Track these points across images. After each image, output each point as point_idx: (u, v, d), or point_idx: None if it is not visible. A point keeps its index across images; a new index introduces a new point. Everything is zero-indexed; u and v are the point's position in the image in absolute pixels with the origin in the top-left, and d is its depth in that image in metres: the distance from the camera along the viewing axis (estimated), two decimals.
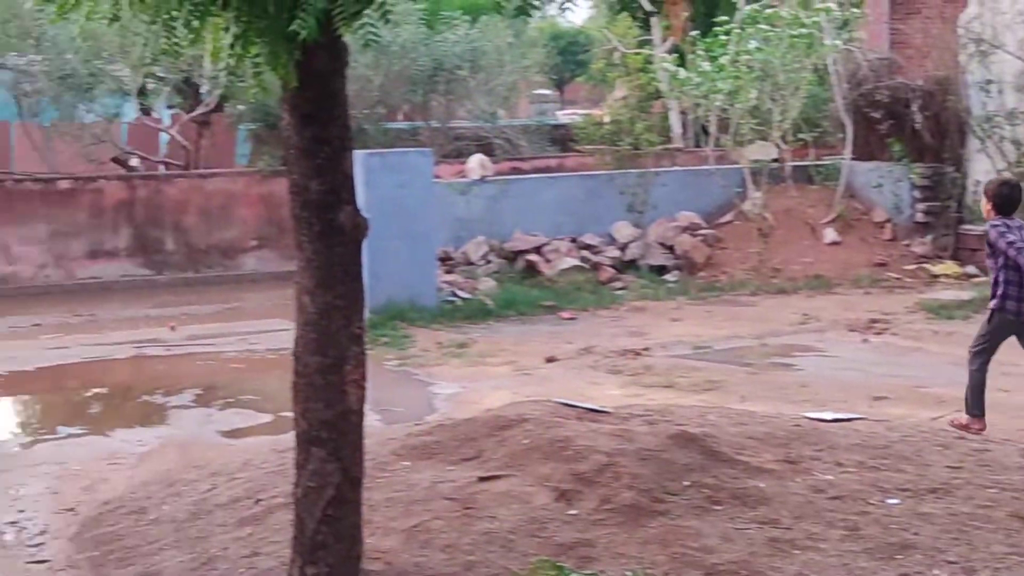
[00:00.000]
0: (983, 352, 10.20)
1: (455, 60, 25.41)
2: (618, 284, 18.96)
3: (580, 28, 51.88)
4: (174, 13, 5.58)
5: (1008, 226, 9.85)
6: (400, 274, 16.47)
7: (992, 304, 10.08)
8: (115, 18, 5.96)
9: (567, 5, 5.00)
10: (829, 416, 9.91)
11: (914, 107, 20.22)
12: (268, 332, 16.40)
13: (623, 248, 20.01)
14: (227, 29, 5.77)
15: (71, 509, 8.77)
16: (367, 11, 5.17)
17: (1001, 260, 9.88)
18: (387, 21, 5.39)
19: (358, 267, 6.14)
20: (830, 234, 20.45)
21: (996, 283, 9.98)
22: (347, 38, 5.70)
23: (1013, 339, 10.21)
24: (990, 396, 11.32)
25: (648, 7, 26.25)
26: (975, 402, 10.17)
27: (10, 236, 21.30)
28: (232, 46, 5.71)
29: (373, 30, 5.21)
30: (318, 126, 5.98)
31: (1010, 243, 9.73)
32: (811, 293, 18.50)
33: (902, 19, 23.92)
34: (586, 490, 7.36)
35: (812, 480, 7.81)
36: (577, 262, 19.22)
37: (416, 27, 25.35)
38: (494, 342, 15.34)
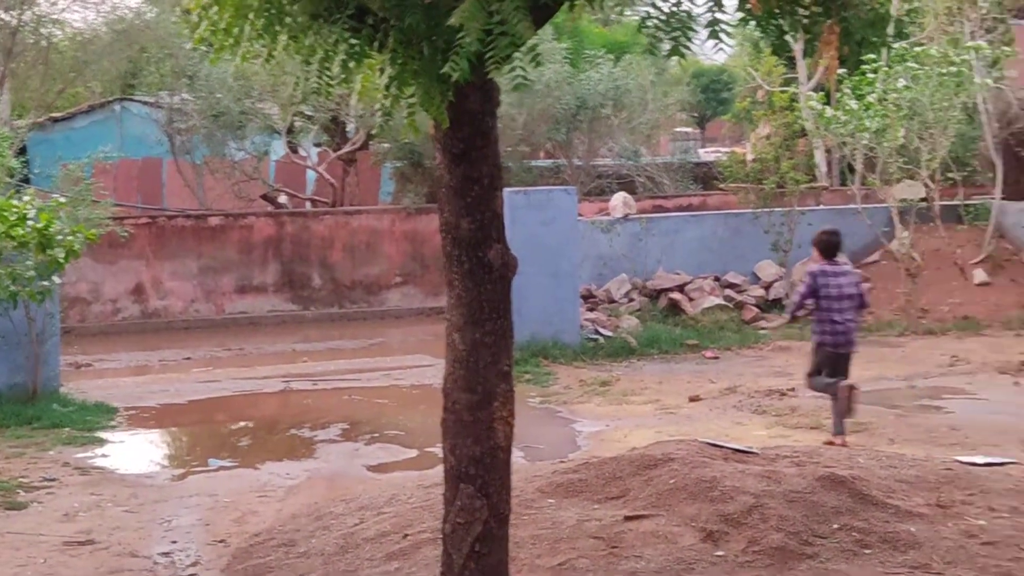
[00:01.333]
0: (815, 374, 11.83)
1: (598, 98, 25.50)
2: (762, 323, 18.82)
3: (723, 66, 51.69)
4: (330, 53, 5.68)
5: (824, 272, 11.72)
6: (543, 311, 16.52)
7: (814, 340, 11.86)
8: (270, 57, 6.09)
9: (720, 46, 4.99)
10: (981, 460, 9.73)
11: None
12: (412, 368, 16.56)
13: (767, 287, 19.87)
14: (382, 70, 5.86)
15: (222, 541, 8.91)
16: (517, 53, 5.22)
17: (812, 302, 11.73)
18: (538, 64, 5.44)
19: (507, 304, 6.18)
20: (979, 275, 20.09)
21: (820, 321, 11.73)
22: (498, 79, 5.75)
23: None
24: None
25: (794, 46, 26.11)
26: (836, 421, 11.56)
27: (162, 271, 21.79)
28: (387, 87, 5.80)
29: (523, 72, 5.26)
30: (469, 165, 6.05)
31: (802, 294, 11.82)
32: (960, 335, 18.17)
33: None
34: (733, 531, 7.31)
35: (964, 525, 7.68)
36: (720, 301, 19.13)
37: (560, 66, 25.49)
38: (637, 380, 15.31)
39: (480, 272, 6.11)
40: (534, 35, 5.26)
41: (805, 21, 5.53)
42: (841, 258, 11.98)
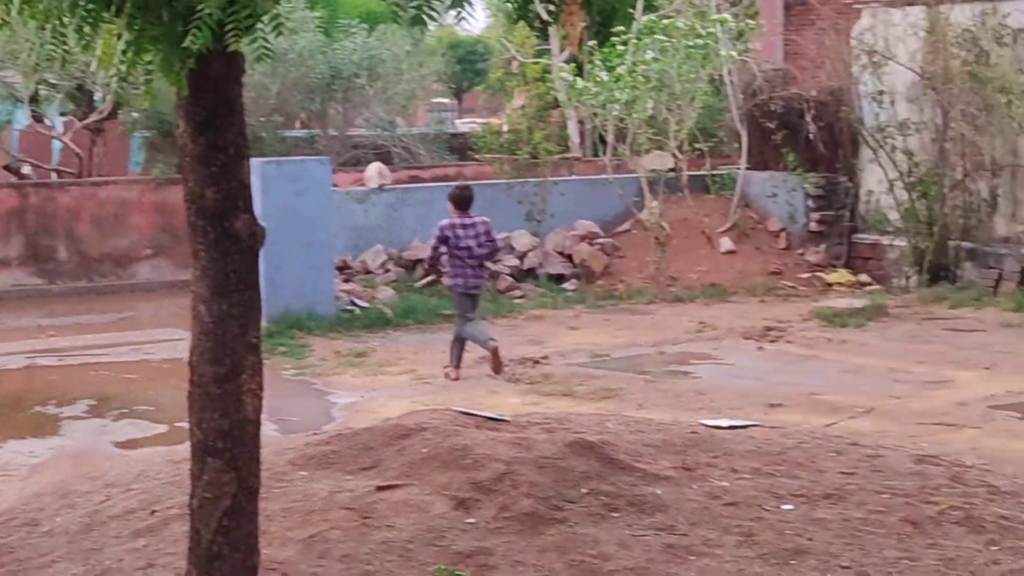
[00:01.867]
0: (463, 319, 13.59)
1: (353, 68, 25.34)
2: (517, 293, 19.00)
3: (478, 37, 51.93)
4: (65, 19, 5.48)
5: (453, 225, 13.55)
6: (297, 283, 16.39)
7: (447, 283, 13.88)
8: (3, 23, 5.86)
9: (463, 15, 4.98)
10: (725, 423, 10.00)
11: (808, 117, 20.47)
12: (163, 341, 16.25)
13: (521, 257, 20.06)
14: (120, 36, 5.69)
15: None
16: (261, 23, 5.12)
17: (444, 249, 13.43)
18: (280, 33, 5.35)
19: (255, 276, 6.08)
20: (726, 243, 20.65)
21: (453, 267, 13.46)
22: (242, 49, 5.65)
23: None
24: (882, 403, 11.56)
25: (545, 17, 26.34)
26: (455, 354, 13.66)
27: None
28: (124, 52, 5.63)
29: (266, 42, 5.17)
30: (213, 133, 5.92)
31: (433, 247, 13.60)
32: (707, 301, 18.67)
33: (796, 31, 24.20)
34: (484, 498, 7.35)
35: (708, 487, 7.87)
36: None
37: (313, 35, 25.24)
38: (393, 351, 15.32)
39: (226, 243, 5.99)
40: (277, 5, 5.16)
41: None
42: (473, 213, 13.79)
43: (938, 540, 7.15)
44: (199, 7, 4.87)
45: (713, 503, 7.58)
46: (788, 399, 12.22)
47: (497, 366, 13.49)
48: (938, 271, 18.76)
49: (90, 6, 5.47)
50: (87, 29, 5.52)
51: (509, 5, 5.39)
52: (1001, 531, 7.34)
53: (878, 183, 20.11)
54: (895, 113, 19.53)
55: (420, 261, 19.32)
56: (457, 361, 13.70)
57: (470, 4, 4.97)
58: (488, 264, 14.41)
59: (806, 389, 12.76)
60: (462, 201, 13.83)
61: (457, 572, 6.42)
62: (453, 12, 4.98)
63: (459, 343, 13.73)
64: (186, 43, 4.94)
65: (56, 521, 8.05)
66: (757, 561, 6.81)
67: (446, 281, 13.99)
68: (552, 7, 5.56)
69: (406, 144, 27.15)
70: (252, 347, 6.10)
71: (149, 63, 5.63)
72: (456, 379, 13.56)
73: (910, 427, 10.88)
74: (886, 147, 19.55)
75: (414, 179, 23.38)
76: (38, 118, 26.47)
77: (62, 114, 27.86)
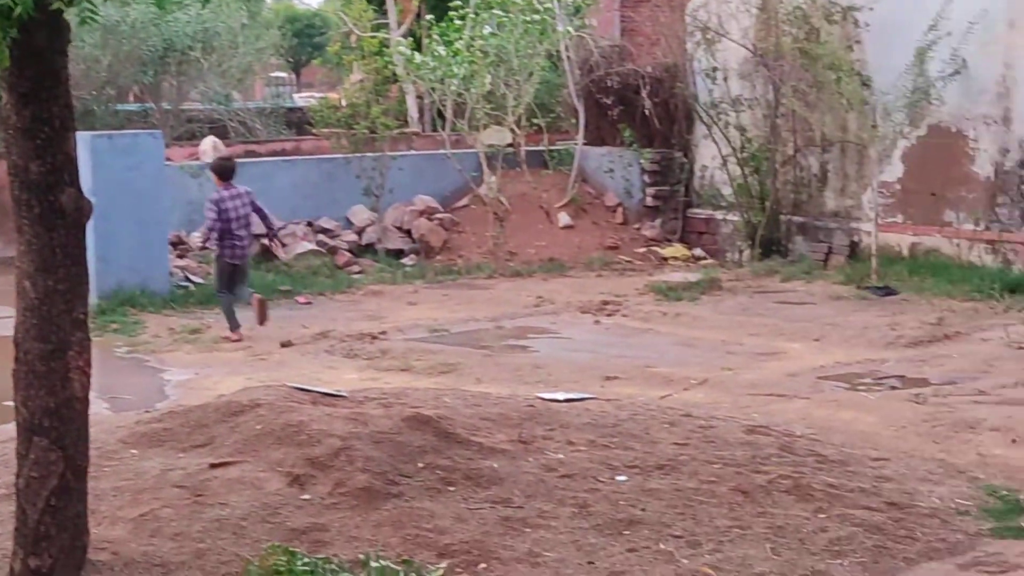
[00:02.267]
0: (223, 288, 14.49)
1: (187, 41, 24.92)
2: (355, 268, 18.92)
3: (316, 11, 51.47)
4: None
5: (223, 197, 14.20)
6: (130, 259, 16.10)
7: (216, 253, 14.49)
8: None
9: None
10: (561, 396, 10.07)
11: (644, 93, 20.68)
12: None
13: (360, 232, 19.98)
14: None
15: None
16: None
17: (213, 221, 14.11)
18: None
19: (81, 251, 5.97)
20: (564, 218, 20.79)
21: (223, 238, 14.17)
22: (67, 15, 5.53)
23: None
24: (715, 374, 11.76)
25: None
26: (231, 320, 14.33)
27: None
28: None
29: (91, 8, 5.07)
30: (38, 105, 5.79)
31: (212, 220, 14.12)
32: (546, 276, 18.78)
33: (632, 7, 24.43)
34: (320, 474, 7.32)
35: (544, 459, 7.93)
36: (313, 246, 19.11)
37: (146, 6, 24.73)
38: (227, 327, 15.10)
39: (51, 217, 5.88)
40: None
41: None
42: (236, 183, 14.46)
43: (768, 508, 7.31)
44: None
45: (549, 475, 7.64)
46: (624, 372, 12.35)
47: (262, 317, 14.26)
48: (770, 245, 19.11)
49: None
50: None
51: None
52: (829, 499, 7.52)
53: (712, 159, 20.41)
54: (728, 89, 19.81)
55: (256, 236, 19.11)
56: (234, 324, 14.35)
57: None
58: (270, 230, 15.19)
59: (641, 362, 12.91)
60: (226, 172, 14.46)
61: (292, 549, 6.38)
62: None
63: (229, 307, 14.45)
64: (3, 2, 4.81)
65: None
66: (591, 532, 6.89)
67: (215, 254, 14.64)
68: None
69: (242, 118, 26.81)
70: (79, 323, 5.99)
71: None
72: (239, 339, 14.18)
73: (742, 398, 11.07)
74: (719, 123, 19.83)
75: (250, 153, 23.07)
76: None
77: None
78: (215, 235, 14.30)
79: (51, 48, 5.79)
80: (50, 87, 5.83)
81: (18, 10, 4.87)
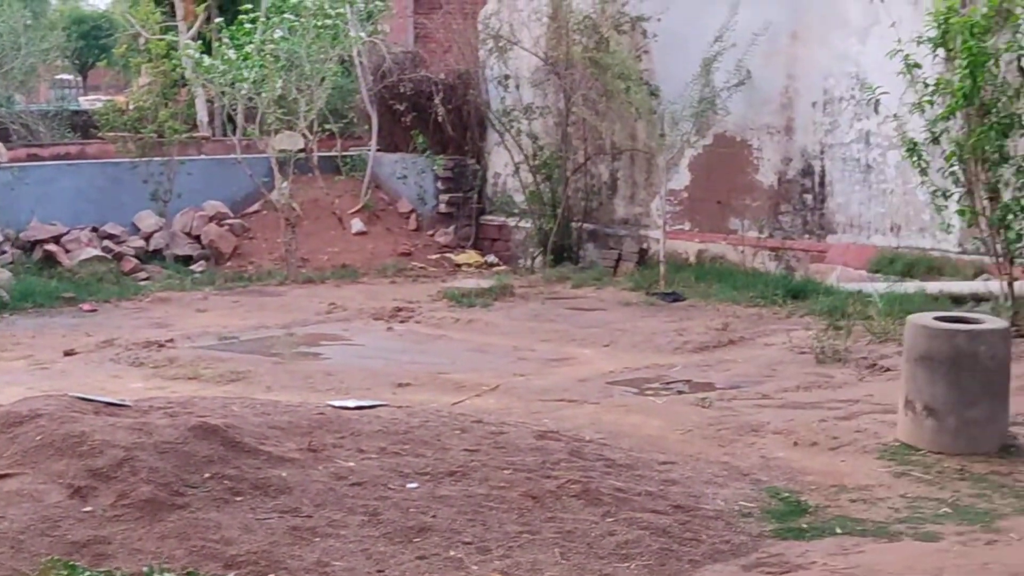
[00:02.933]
0: None
1: None
2: (142, 275, 18.56)
3: (103, 12, 50.36)
4: None
5: None
6: None
7: None
8: None
9: None
10: (352, 404, 9.98)
11: (436, 100, 20.71)
12: None
13: (147, 238, 19.61)
14: None
15: None
16: None
17: None
18: None
19: None
20: (357, 224, 20.70)
21: None
22: None
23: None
24: (507, 380, 11.84)
25: None
26: None
27: None
28: None
29: None
30: None
31: None
32: (338, 283, 18.68)
33: (426, 14, 24.49)
34: (102, 486, 7.12)
35: (334, 467, 7.85)
36: (98, 252, 18.68)
37: None
38: (9, 336, 14.70)
39: None
40: None
41: None
42: None
43: (557, 513, 7.34)
44: None
45: (338, 484, 7.56)
46: (416, 379, 12.32)
47: None
48: (562, 252, 19.31)
49: None
50: None
51: None
52: (617, 503, 7.59)
53: (504, 166, 20.54)
54: (520, 97, 19.97)
55: (40, 242, 18.63)
56: None
57: None
58: None
59: (434, 368, 12.90)
60: None
61: (72, 563, 6.19)
62: None
63: None
64: None
65: None
66: (382, 540, 6.84)
67: None
68: None
69: (25, 121, 26.03)
70: None
71: None
72: None
73: (533, 404, 11.13)
74: (512, 131, 19.97)
75: (33, 157, 22.43)
76: None
77: None
78: None
79: None
80: None
81: None
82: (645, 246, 18.83)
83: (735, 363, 12.98)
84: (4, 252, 18.33)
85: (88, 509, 6.91)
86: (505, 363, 13.24)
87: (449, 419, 9.57)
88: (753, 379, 12.18)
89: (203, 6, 23.08)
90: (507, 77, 20.07)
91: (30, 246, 18.65)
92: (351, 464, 7.97)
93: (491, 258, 20.40)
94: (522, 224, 20.30)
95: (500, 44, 20.05)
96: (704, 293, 16.73)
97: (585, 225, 19.54)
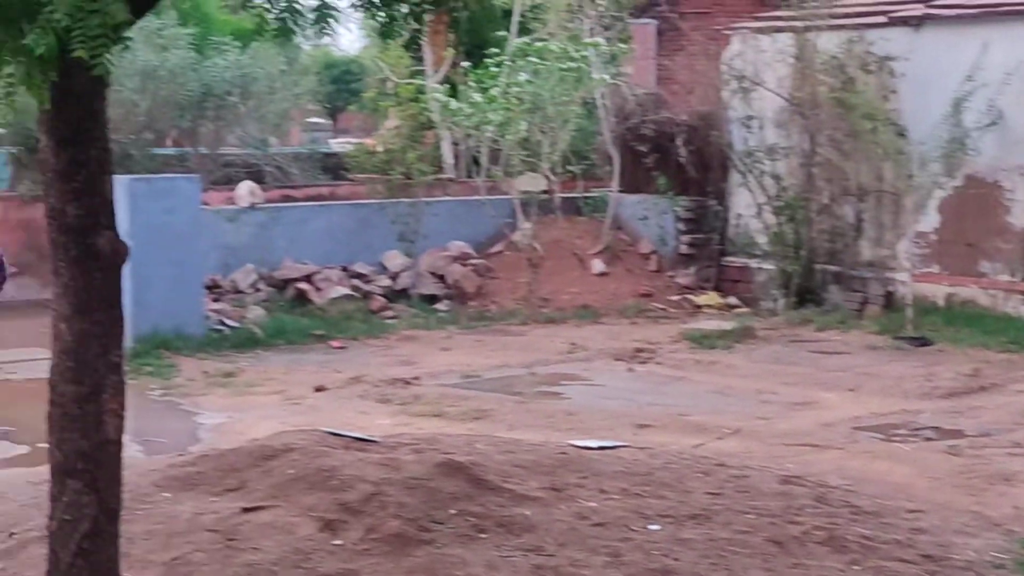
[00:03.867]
0: None
1: (225, 86, 25.07)
2: (389, 313, 18.93)
3: (354, 57, 51.75)
4: None
5: None
6: (166, 302, 16.15)
7: None
8: None
9: (327, 30, 4.97)
10: (594, 444, 10.04)
11: (679, 141, 20.68)
12: (26, 361, 15.87)
13: (394, 277, 20.00)
14: None
15: None
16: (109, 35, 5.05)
17: None
18: (126, 48, 5.27)
19: (117, 294, 5.98)
20: (598, 265, 20.77)
21: None
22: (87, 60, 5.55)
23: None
24: (749, 424, 11.72)
25: (412, 35, 26.30)
26: None
27: None
28: None
29: (108, 58, 5.10)
30: (76, 148, 5.81)
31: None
32: (579, 323, 18.74)
33: (668, 55, 24.49)
34: (352, 520, 7.30)
35: (576, 507, 7.90)
36: (348, 291, 19.13)
37: (185, 52, 24.96)
38: (262, 371, 15.16)
39: (88, 260, 5.89)
40: (129, 17, 5.08)
41: (415, 9, 5.55)
42: None
43: (802, 560, 7.25)
44: (46, 11, 4.79)
45: (581, 523, 7.60)
46: (657, 420, 12.30)
47: None
48: (805, 294, 19.04)
49: None
50: None
51: (376, 23, 5.34)
52: (863, 551, 7.46)
53: (747, 207, 20.38)
54: (764, 138, 19.81)
55: (292, 281, 19.19)
56: None
57: (334, 19, 4.94)
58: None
59: (675, 410, 12.85)
60: None
61: None
62: (318, 28, 4.95)
63: None
64: (26, 41, 4.86)
65: None
66: None
67: None
68: (418, 25, 5.53)
69: (279, 163, 26.93)
70: (114, 366, 5.99)
71: (10, 76, 5.51)
72: None
73: (776, 448, 11.01)
74: (755, 171, 19.81)
75: (286, 198, 23.18)
76: None
77: None
78: None
79: (91, 92, 5.82)
80: (89, 130, 5.85)
81: (40, 50, 4.89)
82: (891, 289, 18.44)
83: (986, 410, 12.62)
84: (258, 290, 18.93)
85: (338, 542, 7.10)
86: (747, 406, 13.12)
87: (691, 461, 9.54)
88: (1005, 426, 11.83)
89: (450, 52, 23.51)
90: (751, 118, 19.93)
91: (283, 284, 19.22)
92: (593, 504, 8.01)
93: (732, 300, 20.22)
94: (764, 266, 20.09)
95: (744, 85, 19.93)
96: (953, 338, 16.29)
97: (829, 267, 19.23)
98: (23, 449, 11.75)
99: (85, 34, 4.86)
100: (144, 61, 22.89)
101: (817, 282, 19.20)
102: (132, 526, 7.10)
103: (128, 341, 14.68)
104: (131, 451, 10.29)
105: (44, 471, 7.04)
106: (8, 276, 16.16)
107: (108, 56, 5.06)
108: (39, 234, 21.75)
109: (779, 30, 19.73)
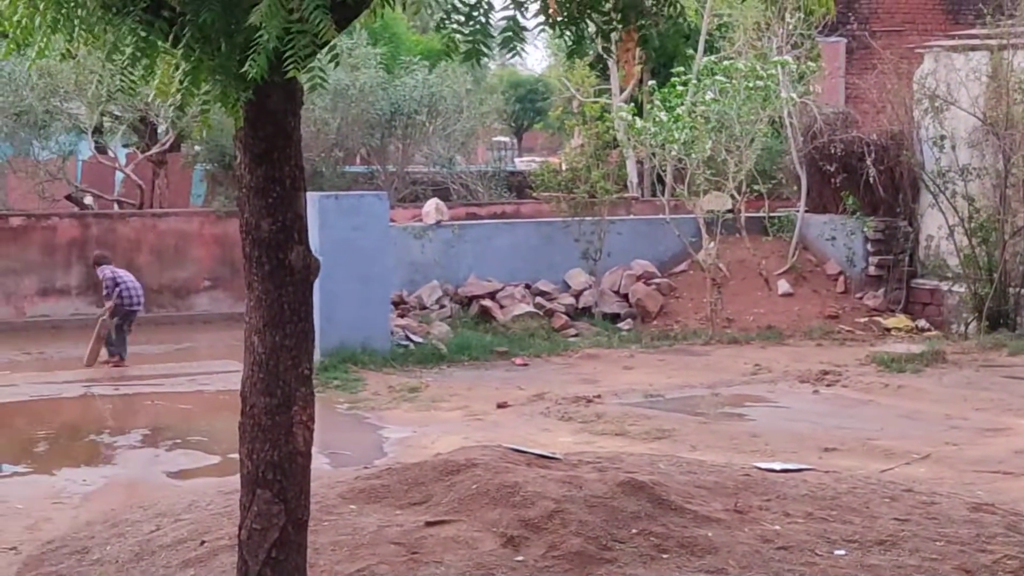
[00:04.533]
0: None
1: (413, 105, 25.46)
2: (571, 331, 18.96)
3: (539, 76, 52.08)
4: (124, 48, 5.54)
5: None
6: (353, 317, 16.43)
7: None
8: (68, 54, 5.93)
9: (516, 50, 5.01)
10: (778, 467, 9.92)
11: (868, 161, 20.35)
12: (219, 373, 16.32)
13: (577, 295, 20.03)
14: (178, 67, 5.75)
15: (13, 548, 8.66)
16: (318, 54, 5.18)
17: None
18: (337, 64, 5.39)
19: (308, 307, 6.11)
20: (783, 285, 20.54)
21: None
22: (299, 79, 5.69)
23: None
24: (938, 449, 11.45)
25: (600, 52, 26.37)
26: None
27: None
28: (181, 83, 5.68)
29: (321, 74, 5.23)
30: (270, 165, 5.96)
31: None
32: (763, 344, 18.54)
33: (858, 74, 24.15)
34: (533, 536, 7.32)
35: (760, 530, 7.80)
36: (531, 308, 19.22)
37: (375, 71, 25.40)
38: (446, 387, 15.30)
39: (281, 274, 6.03)
40: (336, 35, 5.21)
41: (603, 27, 5.56)
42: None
43: None
44: (256, 35, 4.91)
45: (765, 547, 7.51)
46: (843, 444, 12.10)
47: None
48: (997, 318, 18.58)
49: (149, 36, 5.53)
50: (145, 60, 5.58)
51: (565, 41, 5.37)
52: None
53: (938, 228, 19.97)
54: (956, 158, 19.39)
55: (476, 297, 19.36)
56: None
57: (522, 39, 4.99)
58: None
59: (861, 434, 12.62)
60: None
61: None
62: (507, 49, 5.00)
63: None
64: (245, 68, 5.00)
65: (106, 550, 8.09)
66: None
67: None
68: (607, 43, 5.55)
69: (464, 181, 27.25)
70: (304, 378, 6.11)
71: (206, 94, 5.68)
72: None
73: (966, 474, 10.74)
74: (946, 192, 19.42)
75: (471, 216, 23.44)
76: (101, 149, 26.75)
77: (125, 146, 28.15)
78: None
79: (284, 110, 5.96)
80: (283, 148, 5.99)
81: (253, 73, 5.03)
82: None
83: None
84: (443, 306, 19.14)
85: (520, 558, 7.12)
86: (936, 431, 12.82)
87: (878, 486, 9.36)
88: None
89: (639, 69, 23.50)
90: (943, 138, 19.53)
91: (467, 301, 19.40)
92: (777, 527, 7.91)
93: (922, 323, 19.82)
94: (956, 288, 19.65)
95: (936, 104, 19.56)
96: None
97: (1023, 291, 18.74)
98: (215, 459, 12.03)
99: (297, 54, 4.99)
100: (335, 80, 23.34)
101: (1010, 306, 18.72)
102: (319, 537, 7.23)
103: (316, 355, 15.00)
104: (318, 463, 10.47)
105: (235, 481, 7.22)
106: (137, 303, 17.70)
107: (320, 71, 5.19)
108: (233, 249, 22.34)
109: (973, 48, 19.31)
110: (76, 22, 5.67)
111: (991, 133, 18.83)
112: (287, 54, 4.99)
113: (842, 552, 7.50)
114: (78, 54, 5.88)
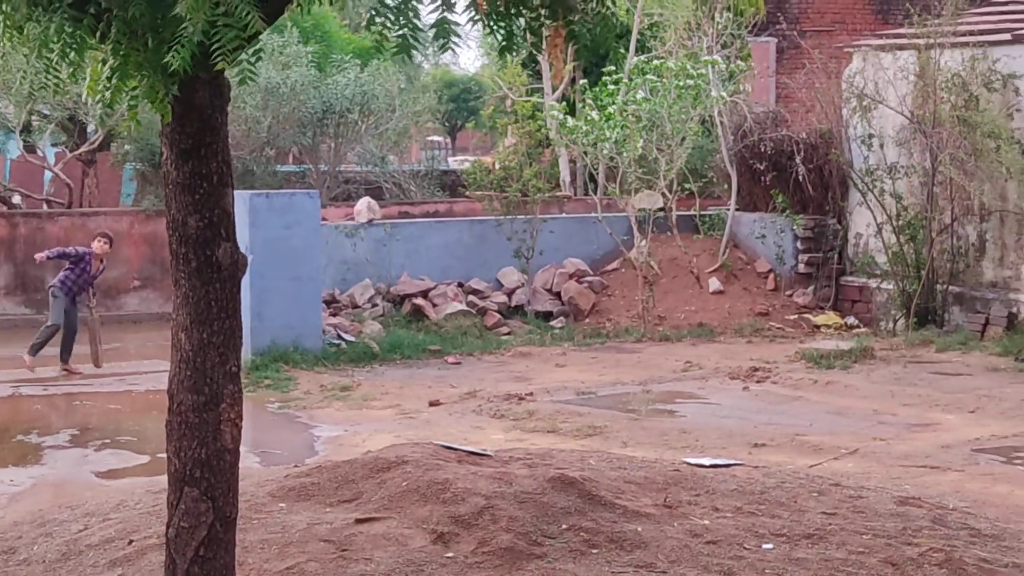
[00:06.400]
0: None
1: (345, 103, 25.37)
2: (504, 329, 18.99)
3: (472, 76, 52.09)
4: (52, 45, 5.49)
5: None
6: (284, 316, 16.37)
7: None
8: None
9: (447, 46, 5.01)
10: (708, 462, 9.98)
11: (798, 159, 20.51)
12: (148, 373, 16.21)
13: (510, 294, 20.06)
14: (105, 62, 5.71)
15: None
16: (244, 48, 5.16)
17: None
18: (259, 59, 5.37)
19: (236, 304, 6.08)
20: (714, 283, 20.66)
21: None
22: (227, 75, 5.67)
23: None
24: (866, 445, 11.57)
25: (531, 50, 26.41)
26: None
27: None
28: (109, 79, 5.65)
29: (251, 69, 5.21)
30: (197, 161, 5.93)
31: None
32: (694, 341, 18.66)
33: (787, 73, 24.35)
34: (464, 533, 7.33)
35: (689, 524, 7.85)
36: (464, 307, 19.23)
37: (306, 69, 25.30)
38: (378, 385, 15.29)
39: (208, 271, 6.00)
40: (265, 28, 5.19)
41: (532, 23, 5.58)
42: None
43: None
44: (181, 28, 4.89)
45: (693, 541, 7.55)
46: (772, 439, 12.20)
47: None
48: (925, 315, 18.78)
49: (76, 32, 5.48)
50: (73, 56, 5.53)
51: (496, 38, 5.38)
52: (982, 574, 7.32)
53: (867, 226, 20.16)
54: (884, 156, 19.58)
55: (409, 296, 19.34)
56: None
57: (455, 34, 4.99)
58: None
59: (790, 430, 12.74)
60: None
61: None
62: (437, 45, 5.00)
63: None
64: (167, 59, 4.98)
65: (33, 550, 8.02)
66: None
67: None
68: (537, 39, 5.56)
69: (397, 180, 27.18)
70: (232, 376, 6.09)
71: (134, 89, 5.64)
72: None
73: (893, 469, 10.87)
74: (875, 190, 19.60)
75: (404, 215, 23.40)
76: (30, 148, 26.48)
77: (54, 145, 27.89)
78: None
79: (211, 105, 5.93)
80: (210, 143, 5.96)
81: (176, 65, 5.01)
82: (1015, 310, 18.12)
83: None
84: (376, 305, 19.10)
85: (450, 555, 7.13)
86: (864, 427, 12.96)
87: (806, 481, 9.45)
88: None
89: (569, 67, 23.56)
90: (871, 136, 19.72)
91: (400, 300, 19.38)
92: (706, 522, 7.96)
93: (851, 320, 20.00)
94: (884, 286, 19.85)
95: (864, 103, 19.74)
96: None
97: (951, 288, 18.95)
98: (144, 459, 11.96)
99: (223, 47, 4.97)
100: (266, 79, 23.23)
101: (938, 303, 18.93)
102: (248, 535, 7.20)
103: (247, 354, 14.96)
104: (248, 462, 10.45)
105: (164, 480, 7.17)
106: (95, 273, 17.54)
107: (249, 65, 5.17)
108: (163, 248, 22.07)
109: (901, 47, 19.50)
110: (1, 18, 5.62)
111: (918, 131, 19.02)
112: (214, 47, 4.97)
113: (770, 546, 7.56)
114: (3, 51, 5.81)
